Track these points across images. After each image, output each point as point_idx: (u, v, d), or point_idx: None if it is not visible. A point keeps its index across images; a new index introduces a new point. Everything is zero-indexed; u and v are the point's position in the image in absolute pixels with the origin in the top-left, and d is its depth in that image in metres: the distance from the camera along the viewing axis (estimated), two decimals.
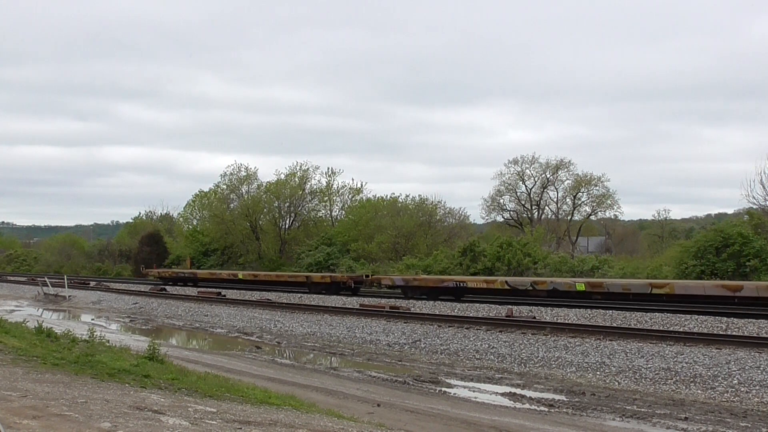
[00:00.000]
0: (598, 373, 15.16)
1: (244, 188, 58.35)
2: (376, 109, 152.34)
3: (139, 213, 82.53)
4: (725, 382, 13.46)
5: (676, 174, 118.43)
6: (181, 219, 71.83)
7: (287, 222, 56.81)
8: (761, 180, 35.21)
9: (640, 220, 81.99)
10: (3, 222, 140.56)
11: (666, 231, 64.87)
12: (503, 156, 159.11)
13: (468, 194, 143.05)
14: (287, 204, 55.96)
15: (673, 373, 14.37)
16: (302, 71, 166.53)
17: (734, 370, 13.97)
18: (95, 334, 14.26)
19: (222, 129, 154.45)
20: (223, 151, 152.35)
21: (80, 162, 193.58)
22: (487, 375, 15.59)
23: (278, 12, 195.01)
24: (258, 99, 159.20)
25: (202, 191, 62.98)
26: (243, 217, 56.08)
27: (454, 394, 13.69)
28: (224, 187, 58.73)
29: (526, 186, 57.14)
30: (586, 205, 56.43)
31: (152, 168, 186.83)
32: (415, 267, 39.15)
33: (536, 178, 56.86)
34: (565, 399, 12.96)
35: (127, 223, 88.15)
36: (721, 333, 18.24)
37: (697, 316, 20.92)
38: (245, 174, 58.12)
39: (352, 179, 62.86)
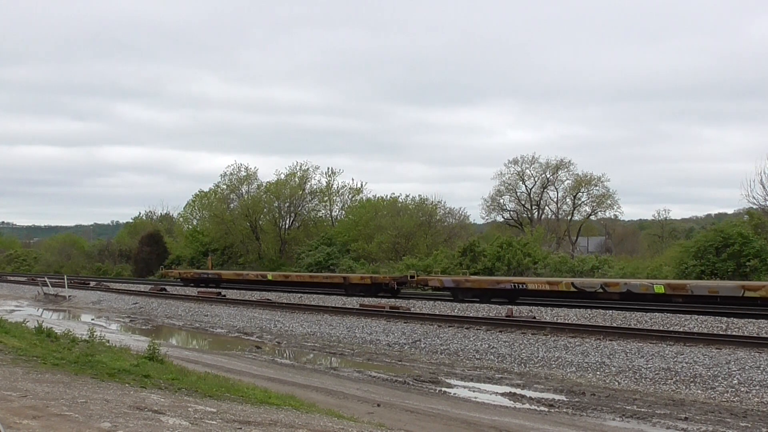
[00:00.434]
0: (598, 373, 15.16)
1: (244, 188, 58.39)
2: (376, 109, 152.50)
3: (139, 213, 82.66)
4: (725, 382, 13.46)
5: (676, 174, 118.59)
6: (181, 219, 71.85)
7: (287, 222, 56.82)
8: (761, 180, 35.24)
9: (640, 220, 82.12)
10: (3, 222, 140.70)
11: (666, 231, 64.89)
12: (503, 156, 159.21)
13: (468, 194, 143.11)
14: (287, 204, 55.97)
15: (673, 373, 14.37)
16: (302, 71, 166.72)
17: (734, 370, 13.97)
18: (95, 334, 14.26)
19: (222, 129, 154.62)
20: (223, 151, 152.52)
21: (80, 162, 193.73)
22: (487, 375, 15.59)
23: (278, 12, 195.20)
24: (258, 99, 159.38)
25: (202, 191, 63.05)
26: (243, 217, 56.08)
27: (454, 394, 13.69)
28: (224, 187, 58.77)
29: (526, 186, 57.19)
30: (586, 205, 56.47)
31: (152, 168, 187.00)
32: (415, 267, 39.13)
33: (536, 178, 56.92)
34: (565, 399, 12.96)
35: (127, 223, 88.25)
36: (721, 333, 18.24)
37: (697, 316, 20.92)
38: (245, 174, 58.19)
39: (352, 179, 62.94)
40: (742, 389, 13.04)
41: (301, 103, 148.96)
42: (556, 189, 56.92)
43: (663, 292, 23.13)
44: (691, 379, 13.90)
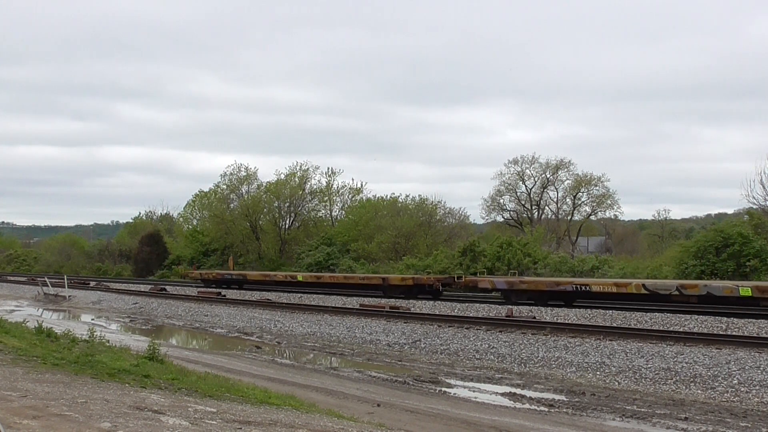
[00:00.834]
0: (598, 373, 15.16)
1: (244, 188, 58.41)
2: (376, 109, 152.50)
3: (139, 213, 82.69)
4: (725, 382, 13.45)
5: (676, 174, 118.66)
6: (181, 219, 71.85)
7: (287, 222, 56.83)
8: (761, 180, 35.27)
9: (640, 220, 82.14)
10: (3, 222, 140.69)
11: (666, 231, 64.92)
12: (503, 156, 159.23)
13: (468, 194, 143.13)
14: (287, 204, 55.99)
15: (673, 373, 14.37)
16: (302, 71, 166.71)
17: (734, 370, 13.97)
18: (95, 334, 14.26)
19: (221, 129, 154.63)
20: (223, 151, 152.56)
21: (80, 162, 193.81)
22: (487, 375, 15.59)
23: (278, 12, 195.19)
24: (257, 99, 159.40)
25: (202, 191, 63.06)
26: (243, 217, 56.09)
27: (454, 394, 13.69)
28: (224, 187, 58.78)
29: (526, 186, 57.20)
30: (586, 205, 56.49)
31: (152, 168, 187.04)
32: (415, 267, 39.11)
33: (536, 178, 56.93)
34: (565, 399, 12.96)
35: (127, 223, 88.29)
36: (721, 333, 18.23)
37: (697, 316, 20.91)
38: (245, 174, 58.21)
39: (352, 179, 62.95)
40: (742, 389, 13.04)
41: (301, 103, 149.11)
42: (556, 189, 56.99)
43: (750, 294, 21.15)
44: (691, 379, 13.90)
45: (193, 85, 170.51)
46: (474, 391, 13.90)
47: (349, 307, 27.67)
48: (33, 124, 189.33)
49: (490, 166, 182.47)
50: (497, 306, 25.61)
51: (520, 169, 56.72)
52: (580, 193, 56.00)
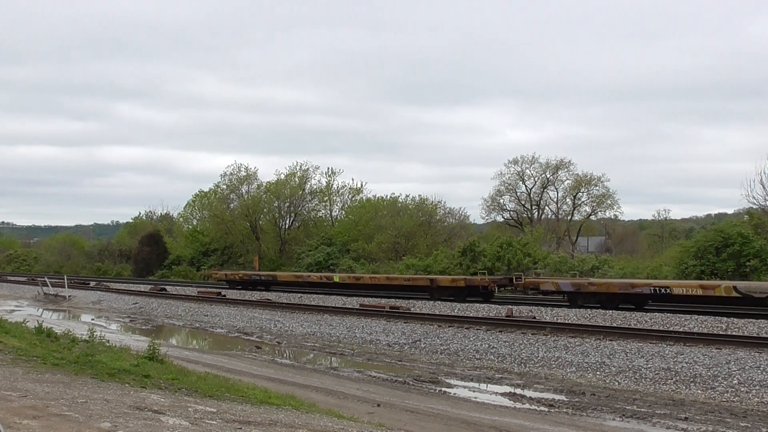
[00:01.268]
0: (598, 373, 15.16)
1: (244, 188, 58.43)
2: (376, 109, 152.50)
3: (139, 213, 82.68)
4: (725, 382, 13.45)
5: (676, 174, 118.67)
6: (181, 219, 71.87)
7: (287, 222, 56.84)
8: (761, 180, 35.25)
9: (640, 220, 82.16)
10: (3, 222, 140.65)
11: (666, 231, 64.93)
12: (503, 156, 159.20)
13: (468, 194, 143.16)
14: (287, 204, 56.00)
15: (673, 373, 14.37)
16: (301, 71, 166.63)
17: (734, 370, 13.97)
18: (95, 334, 14.25)
19: (221, 129, 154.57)
20: (223, 151, 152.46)
21: (80, 162, 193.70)
22: (487, 375, 15.59)
23: (277, 12, 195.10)
24: (257, 99, 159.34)
25: (202, 191, 63.10)
26: (243, 217, 56.11)
27: (454, 394, 13.69)
28: (224, 187, 58.80)
29: (526, 186, 57.21)
30: (586, 205, 56.50)
31: (152, 168, 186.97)
32: (415, 267, 39.09)
33: (536, 178, 56.94)
34: (565, 399, 12.96)
35: (127, 223, 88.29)
36: (721, 333, 18.23)
37: (697, 316, 20.91)
38: (245, 174, 58.23)
39: (352, 179, 62.96)
40: (742, 389, 13.04)
41: (301, 103, 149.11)
42: (556, 189, 57.00)
43: None
44: (691, 379, 13.90)
45: (192, 85, 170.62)
46: (474, 391, 13.90)
47: (349, 307, 27.67)
48: (33, 124, 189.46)
49: (490, 166, 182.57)
50: (497, 306, 25.61)
51: (520, 169, 56.78)
52: (580, 193, 56.03)
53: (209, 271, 45.92)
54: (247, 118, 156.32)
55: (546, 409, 12.11)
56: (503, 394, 13.54)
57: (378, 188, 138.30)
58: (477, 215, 78.80)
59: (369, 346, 20.13)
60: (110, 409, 7.05)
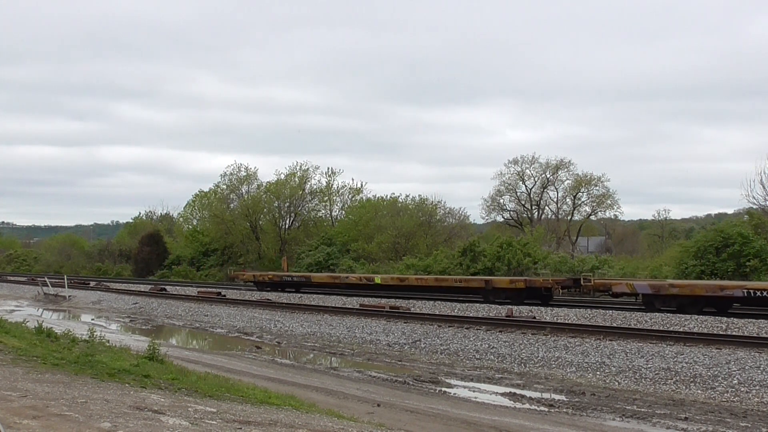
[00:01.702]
0: (598, 373, 15.16)
1: (244, 188, 58.48)
2: (375, 109, 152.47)
3: (139, 213, 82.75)
4: (725, 382, 13.46)
5: (676, 174, 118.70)
6: (181, 219, 71.90)
7: (287, 222, 56.86)
8: (761, 180, 35.29)
9: (640, 220, 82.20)
10: (3, 222, 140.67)
11: (666, 231, 64.96)
12: (503, 156, 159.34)
13: (468, 194, 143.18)
14: (287, 204, 56.02)
15: (673, 373, 14.37)
16: (301, 71, 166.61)
17: (734, 370, 13.97)
18: (95, 334, 14.25)
19: (220, 129, 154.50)
20: (222, 151, 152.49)
21: (79, 162, 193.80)
22: (487, 375, 15.59)
23: (276, 11, 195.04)
24: (256, 99, 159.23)
25: (202, 191, 63.17)
26: (243, 217, 56.13)
27: (454, 394, 13.69)
28: (224, 187, 58.86)
29: (526, 186, 57.25)
30: (586, 205, 56.54)
31: (151, 168, 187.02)
32: (415, 267, 39.07)
33: (536, 178, 56.99)
34: (565, 399, 12.96)
35: (127, 223, 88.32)
36: (721, 333, 18.24)
37: (697, 316, 20.91)
38: (245, 174, 58.29)
39: (352, 179, 63.00)
40: (742, 389, 13.04)
41: (301, 102, 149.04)
42: (556, 189, 57.05)
43: None
44: (691, 379, 13.90)
45: (192, 85, 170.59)
46: (474, 391, 13.90)
47: (349, 307, 27.68)
48: (32, 124, 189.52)
49: (490, 166, 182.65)
50: (497, 306, 25.60)
51: (520, 169, 56.83)
52: (580, 193, 56.07)
53: (235, 272, 43.31)
54: (247, 118, 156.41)
55: (546, 409, 12.11)
56: (503, 394, 13.54)
57: (378, 188, 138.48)
58: (477, 215, 78.87)
59: (369, 346, 20.13)
60: (110, 409, 7.05)
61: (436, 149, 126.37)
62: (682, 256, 31.46)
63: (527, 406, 12.51)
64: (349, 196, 57.97)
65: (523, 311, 24.00)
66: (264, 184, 57.38)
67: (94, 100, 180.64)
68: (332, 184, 57.60)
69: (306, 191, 56.64)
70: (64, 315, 32.04)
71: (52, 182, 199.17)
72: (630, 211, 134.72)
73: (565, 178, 56.56)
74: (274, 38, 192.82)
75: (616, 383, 14.35)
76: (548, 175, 56.56)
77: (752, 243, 28.63)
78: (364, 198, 56.22)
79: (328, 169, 57.88)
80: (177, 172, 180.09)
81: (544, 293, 26.92)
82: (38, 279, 47.41)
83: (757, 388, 12.98)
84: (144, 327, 26.70)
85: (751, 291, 21.64)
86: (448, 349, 18.69)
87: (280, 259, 53.06)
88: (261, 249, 55.50)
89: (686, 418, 11.34)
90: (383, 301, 29.02)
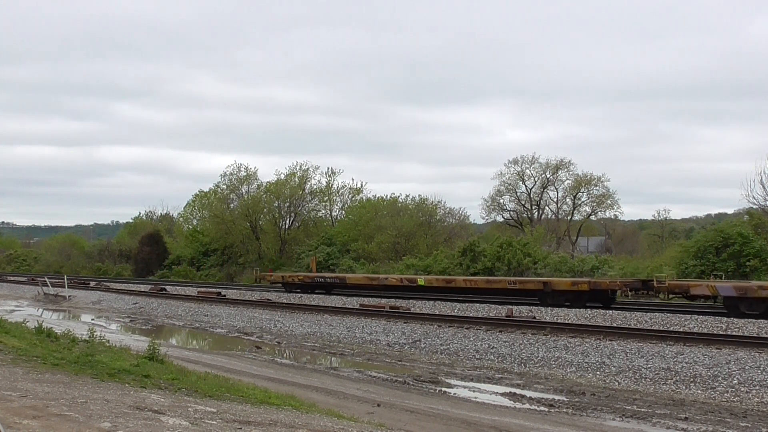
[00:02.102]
0: (598, 373, 15.16)
1: (244, 188, 58.46)
2: (375, 109, 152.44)
3: (139, 213, 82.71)
4: (725, 382, 13.46)
5: (675, 174, 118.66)
6: (181, 219, 71.89)
7: (287, 222, 56.85)
8: (761, 180, 35.29)
9: (640, 220, 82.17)
10: (3, 222, 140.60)
11: (666, 231, 64.93)
12: (502, 156, 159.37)
13: (468, 194, 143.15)
14: (287, 204, 56.01)
15: (673, 373, 14.37)
16: (300, 71, 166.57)
17: (734, 370, 13.97)
18: (95, 334, 14.25)
19: (220, 129, 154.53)
20: (222, 151, 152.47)
21: (79, 162, 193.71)
22: (487, 375, 15.59)
23: (275, 11, 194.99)
24: (256, 99, 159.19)
25: (202, 191, 63.14)
26: (243, 217, 56.12)
27: (454, 394, 13.69)
28: (224, 187, 58.83)
29: (526, 186, 57.26)
30: (586, 205, 56.55)
31: (151, 168, 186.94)
32: (415, 267, 39.05)
33: (536, 178, 57.00)
34: (565, 399, 12.96)
35: (127, 223, 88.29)
36: (721, 333, 18.23)
37: (697, 316, 20.91)
38: (245, 174, 58.27)
39: (352, 179, 62.98)
40: (742, 389, 13.04)
41: (300, 102, 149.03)
42: (556, 189, 57.06)
43: None
44: (691, 379, 13.90)
45: (191, 85, 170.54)
46: (474, 391, 13.90)
47: (349, 307, 27.68)
48: (32, 124, 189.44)
49: (490, 166, 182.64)
50: (497, 306, 25.59)
51: (520, 169, 56.84)
52: (580, 193, 56.08)
53: (262, 273, 40.52)
54: (247, 118, 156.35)
55: (546, 409, 12.11)
56: (503, 394, 13.54)
57: (378, 188, 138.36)
58: (477, 215, 78.86)
59: (369, 346, 20.13)
60: (110, 409, 7.05)
61: (436, 149, 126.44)
62: (682, 256, 31.49)
63: (527, 406, 12.51)
64: (349, 196, 58.02)
65: (523, 311, 23.99)
66: (264, 184, 57.42)
67: (94, 100, 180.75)
68: (332, 184, 57.66)
69: (306, 191, 56.64)
70: (64, 315, 32.04)
71: (52, 182, 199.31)
72: (630, 211, 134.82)
73: (565, 178, 56.64)
74: (274, 38, 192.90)
75: (616, 383, 14.35)
76: (548, 175, 56.61)
77: (752, 243, 28.65)
78: (364, 198, 56.26)
79: (328, 169, 57.95)
80: (177, 172, 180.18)
81: (610, 295, 25.35)
82: (38, 279, 47.40)
83: (757, 388, 12.98)
84: (144, 327, 26.70)
85: None
86: (448, 349, 18.70)
87: (280, 259, 53.08)
88: (261, 249, 55.50)
89: (686, 418, 11.34)
90: (383, 301, 29.02)
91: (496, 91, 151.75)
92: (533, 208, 57.43)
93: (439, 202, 51.09)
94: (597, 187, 55.24)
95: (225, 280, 52.16)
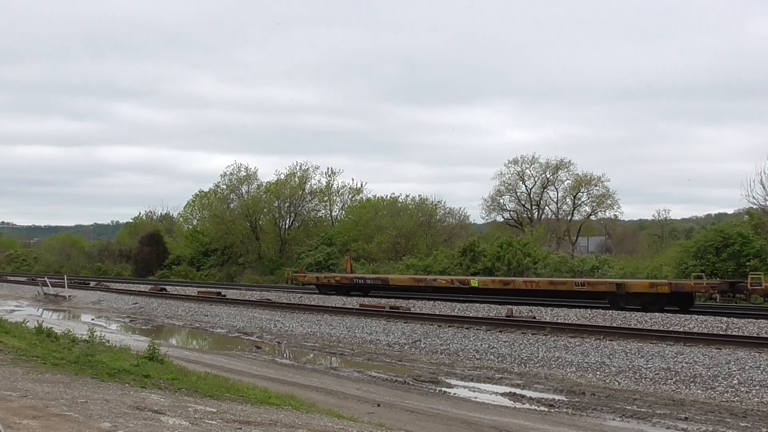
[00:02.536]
0: (598, 373, 15.16)
1: (244, 188, 58.49)
2: (376, 109, 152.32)
3: (139, 213, 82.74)
4: (725, 382, 13.46)
5: (675, 174, 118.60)
6: (181, 219, 71.90)
7: (287, 222, 56.87)
8: (761, 180, 35.29)
9: (640, 220, 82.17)
10: (3, 222, 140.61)
11: (666, 231, 64.95)
12: (502, 156, 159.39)
13: (468, 194, 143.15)
14: (287, 204, 56.03)
15: (673, 373, 14.37)
16: (300, 70, 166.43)
17: (734, 370, 13.97)
18: (95, 334, 14.26)
19: (220, 129, 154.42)
20: (222, 150, 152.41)
21: (79, 162, 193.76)
22: (487, 375, 15.59)
23: (275, 11, 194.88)
24: (256, 99, 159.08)
25: (202, 191, 63.16)
26: (243, 217, 56.14)
27: (454, 394, 13.69)
28: (224, 187, 58.87)
29: (526, 186, 57.31)
30: (586, 205, 56.60)
31: (151, 168, 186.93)
32: (415, 267, 39.03)
33: (536, 178, 57.06)
34: (565, 399, 12.96)
35: (127, 223, 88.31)
36: (721, 333, 18.23)
37: (697, 316, 20.90)
38: (245, 174, 58.31)
39: (352, 179, 63.00)
40: (742, 389, 13.04)
41: (300, 102, 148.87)
42: (556, 189, 57.11)
43: None
44: (691, 379, 13.90)
45: (190, 85, 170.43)
46: (474, 391, 13.90)
47: (349, 307, 27.68)
48: (31, 123, 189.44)
49: (490, 166, 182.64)
50: (497, 306, 25.59)
51: (520, 169, 56.89)
52: (580, 193, 56.14)
53: (293, 274, 37.60)
54: (247, 118, 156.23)
55: (546, 409, 12.11)
56: (503, 394, 13.54)
57: (378, 188, 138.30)
58: (477, 215, 78.83)
59: (369, 346, 20.13)
60: (110, 409, 7.06)
61: (436, 149, 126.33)
62: (682, 256, 31.46)
63: (527, 406, 12.51)
64: (349, 196, 58.05)
65: (523, 311, 23.99)
66: (264, 184, 57.45)
67: (94, 100, 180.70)
68: (332, 184, 57.69)
69: (306, 191, 56.66)
70: (64, 315, 32.04)
71: (52, 182, 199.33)
72: (630, 211, 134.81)
73: (565, 178, 56.70)
74: (274, 38, 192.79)
75: (616, 383, 14.35)
76: (548, 175, 56.67)
77: (752, 243, 28.64)
78: (364, 198, 56.29)
79: (328, 169, 57.99)
80: (177, 172, 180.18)
81: (692, 298, 23.85)
82: (38, 279, 47.40)
83: (757, 388, 12.98)
84: (144, 327, 26.70)
85: None
86: (448, 349, 18.70)
87: (280, 259, 53.07)
88: (261, 249, 55.53)
89: (686, 418, 11.34)
90: (383, 301, 29.02)
91: (496, 91, 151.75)
92: (533, 208, 57.48)
93: (439, 202, 51.19)
94: (597, 187, 55.37)
95: (225, 280, 52.16)
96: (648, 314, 21.78)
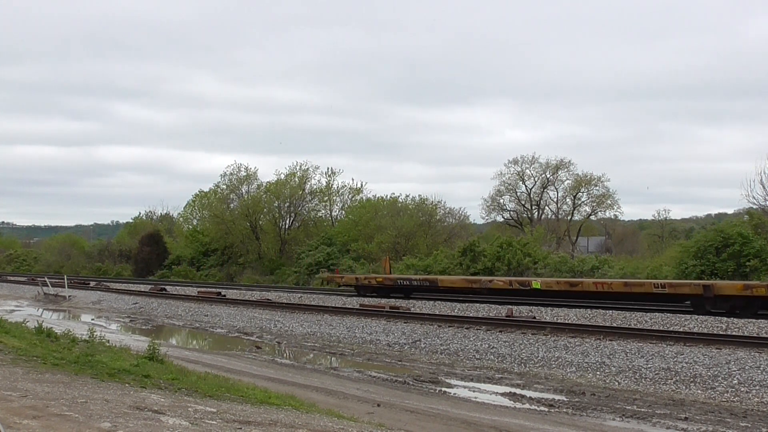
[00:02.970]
0: (598, 373, 15.16)
1: (244, 188, 58.45)
2: (375, 109, 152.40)
3: (139, 213, 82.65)
4: (725, 382, 13.46)
5: (675, 174, 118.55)
6: (181, 219, 71.88)
7: (287, 222, 56.86)
8: (761, 180, 35.25)
9: (640, 220, 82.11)
10: (3, 222, 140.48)
11: (666, 231, 64.93)
12: (502, 156, 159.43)
13: (468, 194, 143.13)
14: (287, 204, 56.01)
15: (673, 373, 14.37)
16: (300, 70, 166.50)
17: (734, 370, 13.97)
18: (95, 334, 14.26)
19: (219, 129, 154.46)
20: (221, 151, 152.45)
21: (78, 162, 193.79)
22: (487, 375, 15.59)
23: (275, 11, 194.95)
24: (255, 99, 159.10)
25: (202, 191, 63.10)
26: (243, 217, 56.12)
27: (454, 394, 13.69)
28: (224, 187, 58.82)
29: (526, 186, 57.28)
30: (586, 205, 56.59)
31: (151, 168, 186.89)
32: (416, 267, 39.01)
33: (536, 178, 57.03)
34: (565, 399, 12.96)
35: (127, 223, 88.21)
36: (721, 333, 18.23)
37: (697, 316, 20.90)
38: (245, 174, 58.27)
39: (352, 179, 62.98)
40: (742, 389, 13.04)
41: (300, 102, 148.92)
42: (556, 189, 57.08)
43: None
44: (691, 379, 13.90)
45: (190, 85, 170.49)
46: (474, 391, 13.90)
47: (349, 307, 27.68)
48: (31, 123, 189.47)
49: (490, 166, 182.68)
50: (497, 306, 25.59)
51: (520, 169, 56.87)
52: (580, 193, 56.12)
53: (328, 275, 35.52)
54: (246, 117, 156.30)
55: (546, 409, 12.11)
56: (503, 394, 13.54)
57: (377, 188, 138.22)
58: (477, 215, 78.76)
59: (369, 346, 20.13)
60: (110, 409, 7.06)
61: (436, 149, 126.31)
62: (682, 256, 31.44)
63: (527, 406, 12.51)
64: (349, 196, 58.01)
65: (523, 311, 23.99)
66: (264, 184, 57.43)
67: (93, 100, 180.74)
68: (332, 184, 57.65)
69: (306, 191, 56.64)
70: (64, 315, 32.04)
71: (52, 182, 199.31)
72: (630, 211, 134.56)
73: (565, 178, 56.68)
74: (274, 38, 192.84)
75: (616, 383, 14.35)
76: (548, 175, 56.65)
77: (752, 243, 28.61)
78: (364, 198, 56.25)
79: (328, 169, 57.94)
80: (176, 172, 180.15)
81: None
82: (38, 279, 47.38)
83: (757, 388, 12.98)
84: (144, 327, 26.70)
85: None
86: (448, 349, 18.70)
87: (280, 259, 53.06)
88: (261, 249, 55.53)
89: (686, 418, 11.34)
90: (383, 301, 29.01)
91: (496, 91, 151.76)
92: (533, 208, 57.47)
93: (439, 202, 51.13)
94: (597, 187, 55.35)
95: (225, 280, 52.14)
96: (648, 314, 21.78)
